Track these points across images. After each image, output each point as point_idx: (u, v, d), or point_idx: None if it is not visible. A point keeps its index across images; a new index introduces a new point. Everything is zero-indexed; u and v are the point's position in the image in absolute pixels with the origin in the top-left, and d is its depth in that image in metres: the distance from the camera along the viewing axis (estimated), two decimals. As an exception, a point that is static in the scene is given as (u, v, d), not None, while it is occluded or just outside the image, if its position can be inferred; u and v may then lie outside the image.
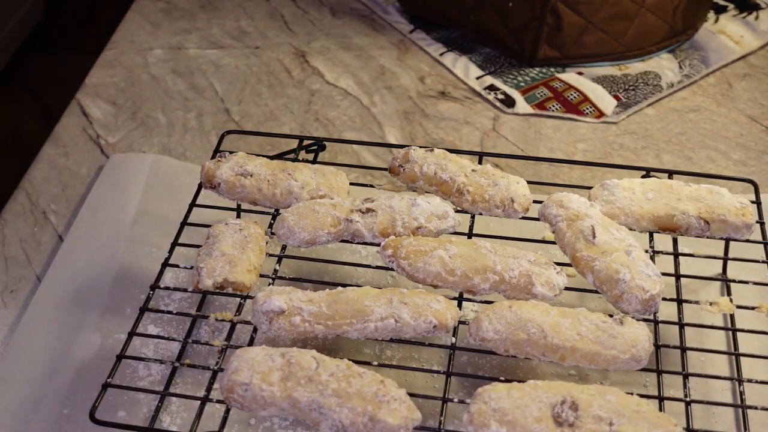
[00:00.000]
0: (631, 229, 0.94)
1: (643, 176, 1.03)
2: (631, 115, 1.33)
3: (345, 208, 0.95)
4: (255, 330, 0.88)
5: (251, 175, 0.99)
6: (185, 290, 0.92)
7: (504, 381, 0.81)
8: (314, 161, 1.08)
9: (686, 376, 0.85)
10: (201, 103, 1.37)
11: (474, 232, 0.98)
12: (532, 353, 0.83)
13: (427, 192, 1.00)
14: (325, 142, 1.11)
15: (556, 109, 1.34)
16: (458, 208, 0.98)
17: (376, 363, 0.85)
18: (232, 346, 0.88)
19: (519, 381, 0.80)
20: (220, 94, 1.39)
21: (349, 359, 0.81)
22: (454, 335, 0.87)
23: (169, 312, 0.93)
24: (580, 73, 1.40)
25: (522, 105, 1.34)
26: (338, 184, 1.00)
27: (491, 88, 1.38)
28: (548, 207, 0.95)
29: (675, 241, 0.98)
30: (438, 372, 0.86)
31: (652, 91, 1.36)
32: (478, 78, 1.40)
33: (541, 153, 1.26)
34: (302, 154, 1.09)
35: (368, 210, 0.94)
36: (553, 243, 0.96)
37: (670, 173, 1.04)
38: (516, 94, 1.36)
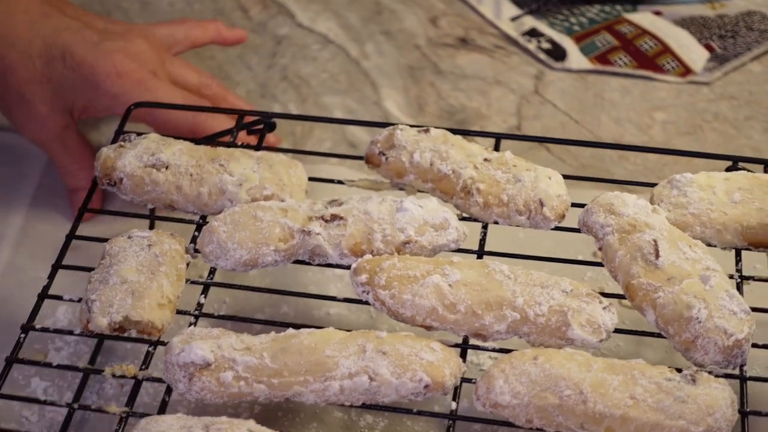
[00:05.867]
0: (709, 245, 0.94)
1: (729, 168, 1.02)
2: (729, 72, 1.34)
3: (301, 214, 0.95)
4: (169, 390, 0.88)
5: (167, 167, 0.99)
6: (71, 333, 0.93)
7: (525, 465, 0.81)
8: (258, 146, 1.07)
9: (787, 457, 0.86)
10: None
11: (486, 249, 0.98)
12: (566, 425, 0.83)
13: (419, 191, 1.01)
14: (275, 119, 1.10)
15: (625, 63, 1.35)
16: (464, 215, 0.99)
17: (342, 439, 0.85)
18: (136, 413, 0.87)
19: (546, 465, 0.80)
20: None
21: (303, 434, 0.81)
22: (454, 399, 0.87)
23: (48, 364, 0.93)
24: (657, 13, 1.41)
25: (576, 57, 1.36)
26: (291, 179, 1.00)
27: (533, 33, 1.39)
28: (592, 213, 0.95)
29: (774, 262, 0.99)
30: (431, 451, 0.86)
31: (758, 39, 1.37)
32: (513, 19, 1.41)
33: (603, 124, 1.27)
34: (242, 137, 1.09)
35: (334, 217, 0.94)
36: (600, 265, 0.96)
37: (768, 164, 1.03)
38: (568, 43, 1.37)
